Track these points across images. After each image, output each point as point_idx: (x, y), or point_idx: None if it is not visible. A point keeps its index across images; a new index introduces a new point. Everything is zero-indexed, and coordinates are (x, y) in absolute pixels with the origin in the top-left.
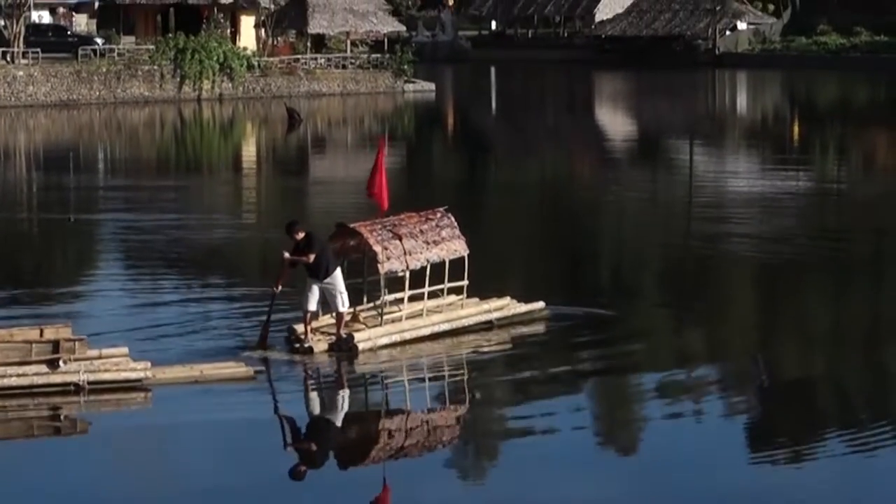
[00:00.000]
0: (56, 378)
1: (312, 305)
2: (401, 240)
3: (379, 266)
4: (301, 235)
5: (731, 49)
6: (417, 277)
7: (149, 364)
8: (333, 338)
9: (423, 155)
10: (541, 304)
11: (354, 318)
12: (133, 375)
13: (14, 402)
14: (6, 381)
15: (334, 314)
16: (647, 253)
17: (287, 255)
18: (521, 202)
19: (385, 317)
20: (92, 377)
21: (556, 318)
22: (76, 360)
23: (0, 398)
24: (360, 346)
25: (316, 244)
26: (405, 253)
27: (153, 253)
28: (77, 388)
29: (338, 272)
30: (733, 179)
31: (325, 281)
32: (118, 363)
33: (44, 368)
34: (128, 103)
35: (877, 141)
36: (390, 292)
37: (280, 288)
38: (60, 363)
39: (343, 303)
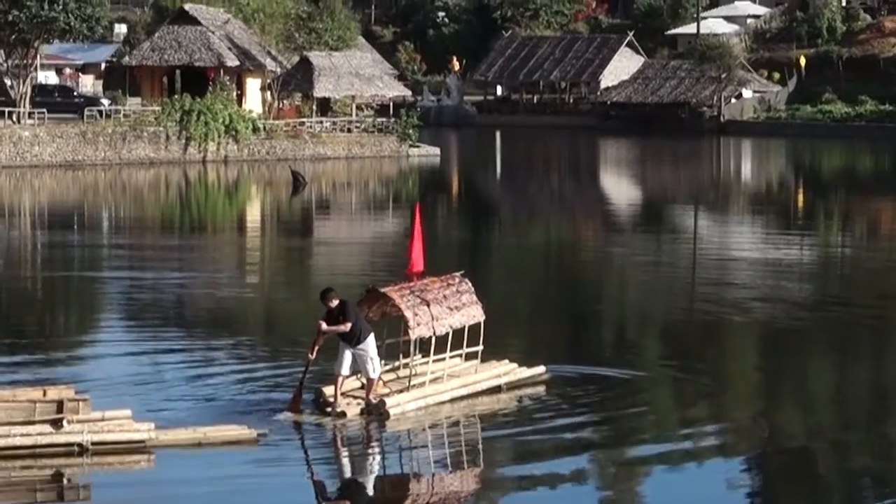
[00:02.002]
0: (59, 438)
1: (346, 370)
2: (428, 306)
3: (410, 332)
4: (335, 303)
5: (735, 117)
6: (435, 340)
7: (152, 425)
8: (363, 402)
9: (427, 219)
10: (542, 369)
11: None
12: (136, 437)
13: (18, 463)
14: (10, 441)
15: (365, 379)
16: (651, 317)
17: (324, 325)
18: (525, 266)
19: (409, 381)
20: (95, 437)
21: (560, 381)
22: (80, 420)
23: (3, 459)
24: (392, 411)
25: (351, 312)
26: (433, 318)
27: (157, 312)
28: (81, 449)
29: (371, 338)
30: (737, 246)
31: (358, 347)
32: (122, 424)
33: (48, 428)
34: (133, 164)
35: (881, 209)
36: (406, 355)
37: (314, 355)
38: (64, 423)
39: (375, 368)
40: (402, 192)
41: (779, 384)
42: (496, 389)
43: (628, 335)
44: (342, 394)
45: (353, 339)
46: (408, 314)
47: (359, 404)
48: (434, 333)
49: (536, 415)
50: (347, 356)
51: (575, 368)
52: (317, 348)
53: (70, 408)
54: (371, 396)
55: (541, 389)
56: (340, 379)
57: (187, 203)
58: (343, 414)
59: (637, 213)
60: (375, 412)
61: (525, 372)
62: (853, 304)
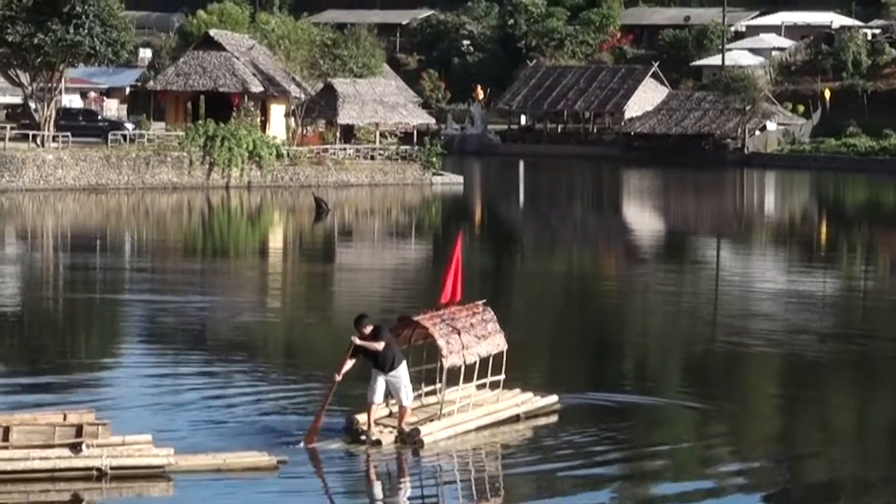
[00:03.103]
0: (78, 462)
1: (378, 398)
2: (459, 334)
3: (443, 360)
4: (368, 330)
5: (760, 149)
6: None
7: (171, 451)
8: (395, 430)
9: (449, 247)
10: (554, 398)
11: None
12: (156, 462)
13: (36, 486)
14: (29, 464)
15: (397, 407)
16: (673, 347)
17: (357, 340)
18: (547, 295)
19: (440, 410)
20: (114, 462)
21: (581, 410)
22: (99, 445)
23: (22, 482)
24: (425, 439)
25: (384, 334)
26: (463, 347)
27: (179, 335)
28: (100, 474)
29: (403, 364)
30: (760, 278)
31: (391, 374)
32: (141, 449)
33: (66, 452)
34: (156, 189)
35: None
36: (429, 383)
37: (340, 377)
38: (83, 447)
39: (408, 396)
40: (425, 221)
41: (801, 418)
42: (515, 418)
43: (650, 365)
44: (375, 422)
45: (387, 365)
46: (441, 343)
47: (391, 432)
48: (464, 362)
49: (559, 445)
50: (381, 383)
51: (595, 397)
52: (344, 370)
53: (89, 432)
54: (403, 424)
55: (554, 419)
56: (374, 407)
57: (210, 228)
58: (379, 442)
59: (660, 243)
60: (410, 441)
61: (540, 401)
62: (876, 337)
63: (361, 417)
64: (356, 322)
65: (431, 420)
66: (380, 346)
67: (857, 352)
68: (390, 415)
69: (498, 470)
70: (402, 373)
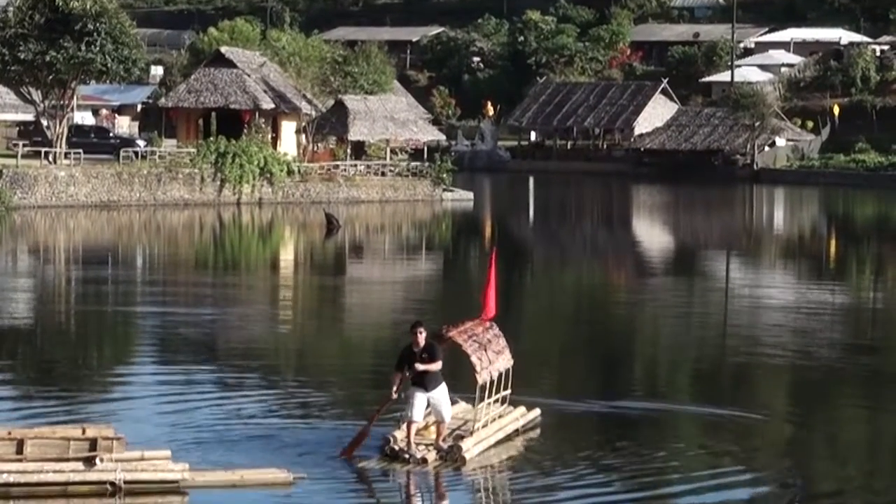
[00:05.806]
0: (92, 476)
1: (419, 416)
2: (485, 350)
3: (477, 376)
4: (423, 337)
5: (769, 165)
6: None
7: (186, 466)
8: (433, 447)
9: (459, 263)
10: (537, 412)
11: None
12: (170, 477)
13: (50, 502)
14: (42, 477)
15: (437, 424)
16: (682, 359)
17: (420, 367)
18: (556, 310)
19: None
20: (128, 477)
21: (585, 421)
22: (115, 459)
23: (35, 498)
24: (466, 455)
25: (439, 353)
26: (490, 363)
27: (192, 348)
28: (114, 488)
29: (444, 383)
30: (768, 292)
31: (433, 392)
32: (156, 464)
33: (80, 466)
34: (167, 206)
35: None
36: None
37: (396, 395)
38: (97, 461)
39: (449, 413)
40: (436, 236)
41: (811, 432)
42: (515, 432)
43: (659, 377)
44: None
45: (431, 384)
46: (474, 359)
47: (428, 450)
48: (491, 378)
49: (568, 457)
50: (422, 401)
51: (604, 405)
52: (399, 388)
53: (104, 446)
54: (440, 441)
55: (548, 431)
56: (415, 426)
57: (221, 244)
58: (424, 460)
59: (670, 258)
60: (451, 458)
61: (530, 415)
62: (887, 349)
63: (400, 434)
64: (412, 327)
65: (463, 436)
66: (438, 366)
67: (868, 363)
68: (416, 432)
69: (518, 486)
70: (443, 391)
